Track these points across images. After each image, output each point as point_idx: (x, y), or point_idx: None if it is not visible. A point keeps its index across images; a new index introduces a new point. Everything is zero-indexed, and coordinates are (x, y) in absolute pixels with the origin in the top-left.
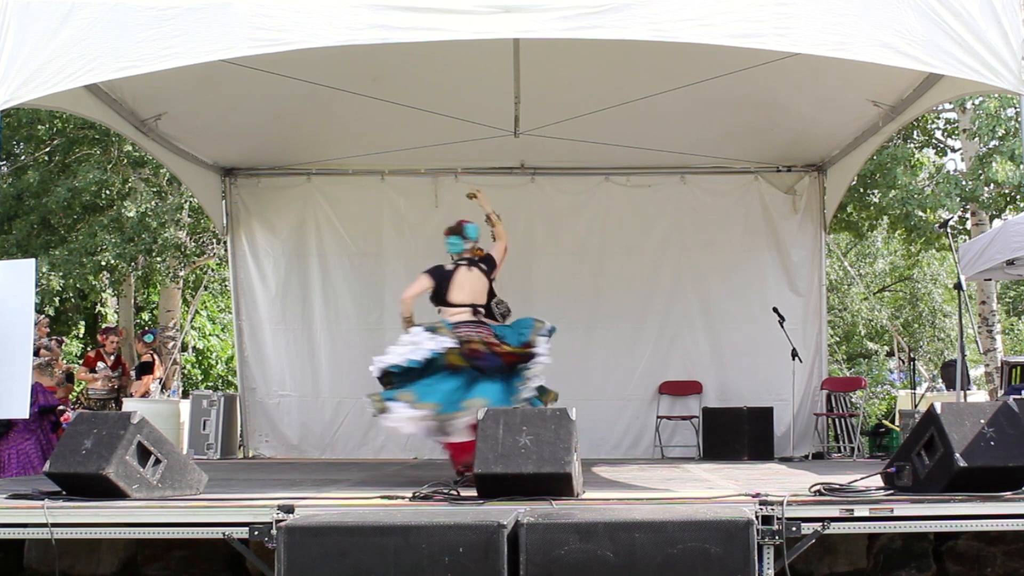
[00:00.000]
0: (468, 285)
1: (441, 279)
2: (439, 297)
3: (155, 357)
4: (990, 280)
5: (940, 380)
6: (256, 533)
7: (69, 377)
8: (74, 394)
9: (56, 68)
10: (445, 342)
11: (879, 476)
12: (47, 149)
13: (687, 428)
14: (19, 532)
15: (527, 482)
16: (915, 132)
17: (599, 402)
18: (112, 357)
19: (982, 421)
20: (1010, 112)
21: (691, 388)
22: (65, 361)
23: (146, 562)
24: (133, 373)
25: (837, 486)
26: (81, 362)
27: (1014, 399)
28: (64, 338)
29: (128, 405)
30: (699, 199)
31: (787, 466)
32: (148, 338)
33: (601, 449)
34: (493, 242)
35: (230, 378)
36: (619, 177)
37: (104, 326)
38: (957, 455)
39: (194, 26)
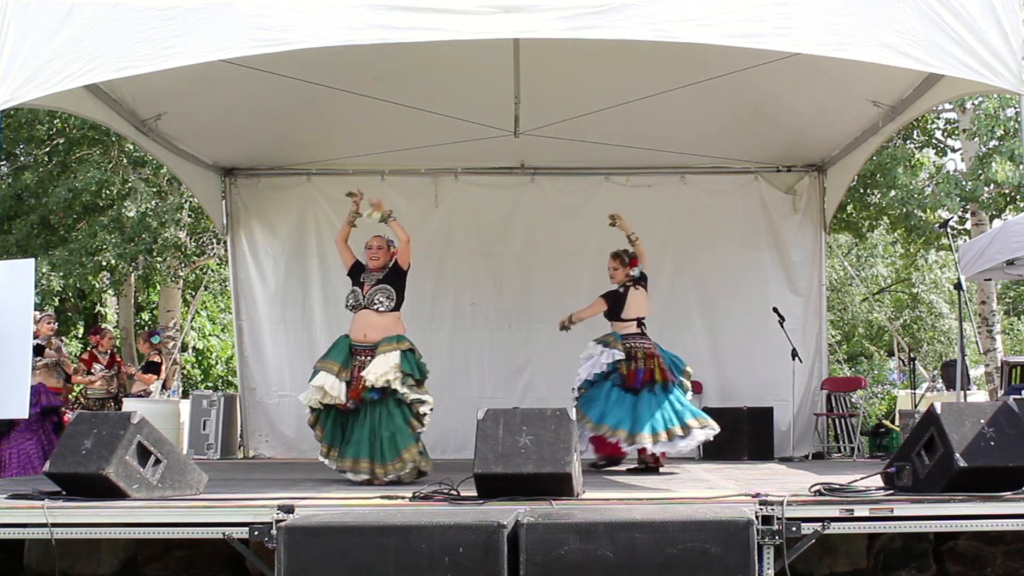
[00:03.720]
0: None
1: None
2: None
3: (161, 358)
4: (990, 280)
5: (940, 380)
6: (256, 533)
7: (67, 378)
8: (73, 395)
9: (56, 68)
10: (616, 354)
11: (879, 476)
12: (47, 149)
13: None
14: (19, 532)
15: (527, 482)
16: (915, 132)
17: None
18: (107, 356)
19: (982, 421)
20: (1010, 112)
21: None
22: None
23: (146, 562)
24: (138, 371)
25: (837, 486)
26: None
27: (1014, 399)
28: (64, 338)
29: (128, 405)
30: (699, 199)
31: (787, 466)
32: (155, 339)
33: None
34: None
35: (230, 378)
36: (619, 177)
37: (95, 327)
38: (957, 455)
39: (194, 26)
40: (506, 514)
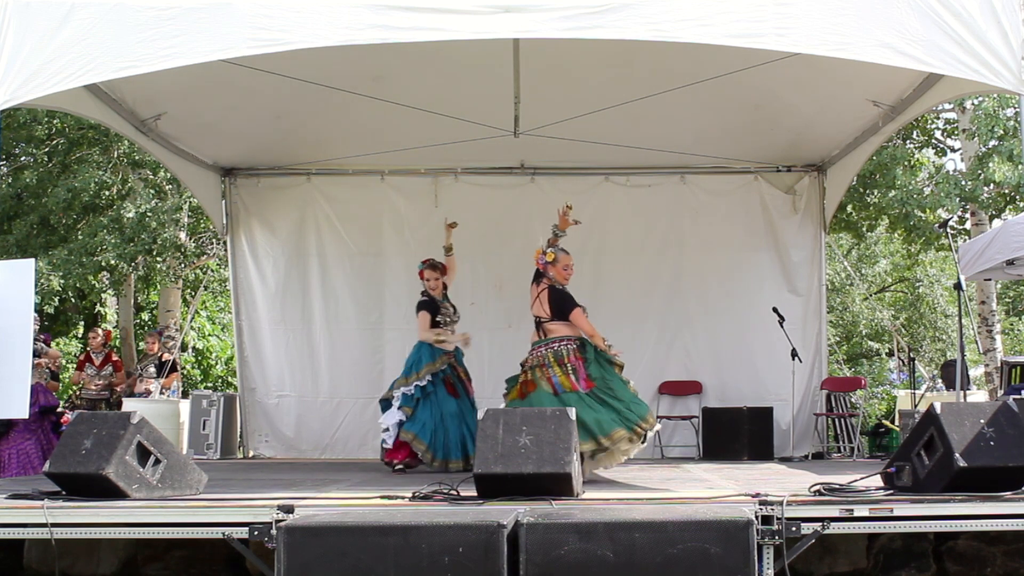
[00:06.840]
0: None
1: None
2: None
3: (170, 354)
4: (990, 280)
5: (940, 380)
6: (256, 533)
7: (54, 376)
8: (68, 393)
9: (56, 68)
10: None
11: (879, 476)
12: (47, 149)
13: (687, 428)
14: (19, 532)
15: (527, 482)
16: (915, 132)
17: None
18: (100, 356)
19: (982, 421)
20: (1009, 112)
21: (691, 388)
22: (50, 361)
23: (146, 562)
24: (153, 370)
25: (837, 486)
26: (75, 365)
27: (1014, 399)
28: (48, 336)
29: (128, 405)
30: (699, 199)
31: (787, 466)
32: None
33: None
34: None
35: (230, 378)
36: (619, 177)
37: (94, 327)
38: (957, 455)
39: (194, 26)
40: (506, 514)
